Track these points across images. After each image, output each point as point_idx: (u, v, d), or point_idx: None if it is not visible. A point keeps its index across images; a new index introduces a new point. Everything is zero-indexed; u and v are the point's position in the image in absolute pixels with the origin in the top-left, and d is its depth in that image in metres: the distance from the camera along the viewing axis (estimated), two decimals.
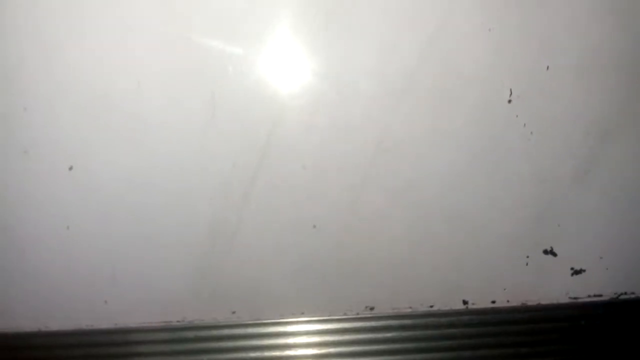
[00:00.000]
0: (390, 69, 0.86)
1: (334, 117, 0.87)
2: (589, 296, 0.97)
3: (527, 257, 0.95)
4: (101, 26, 0.81)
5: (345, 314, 0.94)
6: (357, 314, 0.94)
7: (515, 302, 0.96)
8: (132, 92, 0.83)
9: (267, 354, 0.93)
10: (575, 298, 0.97)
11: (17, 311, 0.91)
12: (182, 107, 0.85)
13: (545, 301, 0.96)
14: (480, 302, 0.95)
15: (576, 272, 0.96)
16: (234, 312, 0.93)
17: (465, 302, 0.95)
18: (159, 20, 0.82)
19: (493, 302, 0.96)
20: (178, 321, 0.92)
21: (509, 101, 0.89)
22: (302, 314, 0.94)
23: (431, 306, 0.95)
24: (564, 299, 0.96)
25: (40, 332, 0.91)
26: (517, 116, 0.89)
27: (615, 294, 0.98)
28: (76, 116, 0.84)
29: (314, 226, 0.91)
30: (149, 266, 0.91)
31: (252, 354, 0.93)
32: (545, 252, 0.95)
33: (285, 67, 0.85)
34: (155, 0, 0.81)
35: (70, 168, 0.86)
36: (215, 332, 0.92)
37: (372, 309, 0.94)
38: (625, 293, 0.98)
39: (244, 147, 0.86)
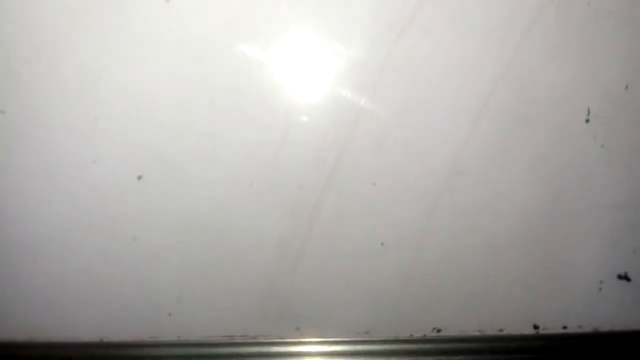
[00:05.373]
0: (465, 90, 0.84)
1: (406, 137, 0.85)
2: None
3: (601, 282, 0.92)
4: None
5: (411, 335, 0.92)
6: (424, 335, 0.92)
7: (587, 328, 0.93)
8: (205, 109, 0.82)
9: None
10: None
11: (77, 321, 0.90)
12: (254, 127, 0.83)
13: (618, 328, 0.93)
14: (551, 327, 0.92)
15: None
16: (297, 329, 0.91)
17: (535, 327, 0.92)
18: (222, 34, 0.81)
19: (564, 327, 0.93)
20: (242, 336, 0.91)
21: (587, 120, 0.86)
22: (367, 333, 0.92)
23: (501, 330, 0.92)
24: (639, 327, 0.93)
25: (102, 342, 0.91)
26: (594, 137, 0.87)
27: None
28: (144, 127, 0.83)
29: (382, 244, 0.89)
30: (215, 282, 0.89)
31: None
32: (620, 277, 0.92)
33: (358, 85, 0.84)
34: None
35: (139, 178, 0.86)
36: (278, 349, 0.91)
37: (439, 330, 0.92)
38: None
39: (313, 165, 0.85)
